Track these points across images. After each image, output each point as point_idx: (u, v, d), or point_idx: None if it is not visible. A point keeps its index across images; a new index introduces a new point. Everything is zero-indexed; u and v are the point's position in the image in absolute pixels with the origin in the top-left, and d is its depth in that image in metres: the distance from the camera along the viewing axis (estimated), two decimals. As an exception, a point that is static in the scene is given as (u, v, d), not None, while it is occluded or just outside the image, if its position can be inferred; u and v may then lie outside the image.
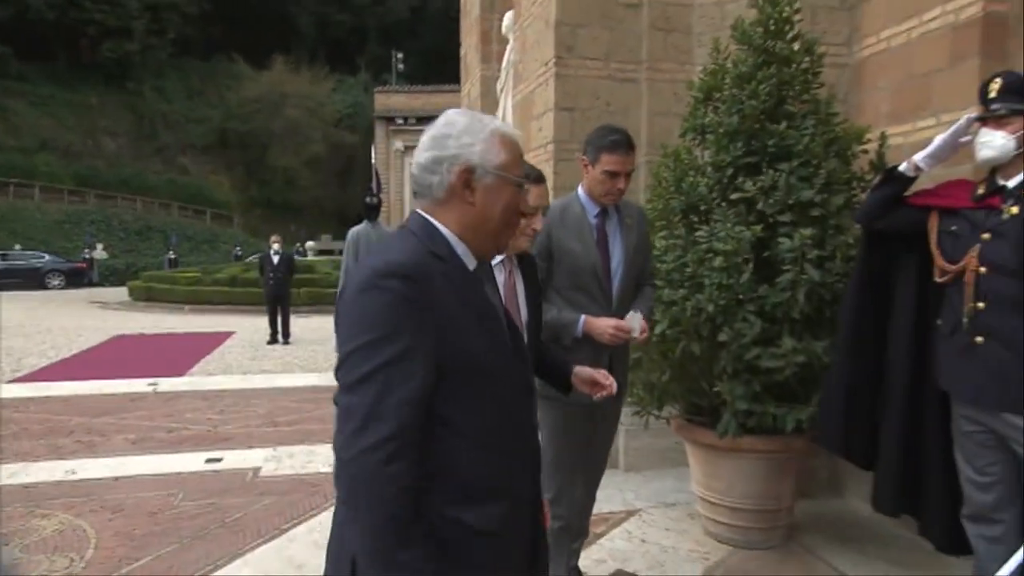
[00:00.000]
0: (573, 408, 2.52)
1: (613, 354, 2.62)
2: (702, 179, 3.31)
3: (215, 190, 42.19)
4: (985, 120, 2.34)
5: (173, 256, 28.73)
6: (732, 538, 3.45)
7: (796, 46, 3.33)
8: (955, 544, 2.63)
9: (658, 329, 3.23)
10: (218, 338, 12.03)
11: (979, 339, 2.33)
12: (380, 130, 31.37)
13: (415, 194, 1.38)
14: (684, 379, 3.38)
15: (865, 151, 3.31)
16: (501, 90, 6.42)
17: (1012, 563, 2.11)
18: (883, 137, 3.27)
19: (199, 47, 45.22)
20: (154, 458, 5.06)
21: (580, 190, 2.72)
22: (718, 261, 3.06)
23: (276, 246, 11.49)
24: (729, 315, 3.06)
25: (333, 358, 7.25)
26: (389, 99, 31.94)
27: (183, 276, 20.09)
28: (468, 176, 1.28)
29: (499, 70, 6.52)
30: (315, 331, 12.72)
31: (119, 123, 42.01)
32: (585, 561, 3.31)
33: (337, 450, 1.19)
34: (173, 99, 43.66)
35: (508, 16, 6.09)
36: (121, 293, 21.55)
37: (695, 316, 3.10)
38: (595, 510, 3.90)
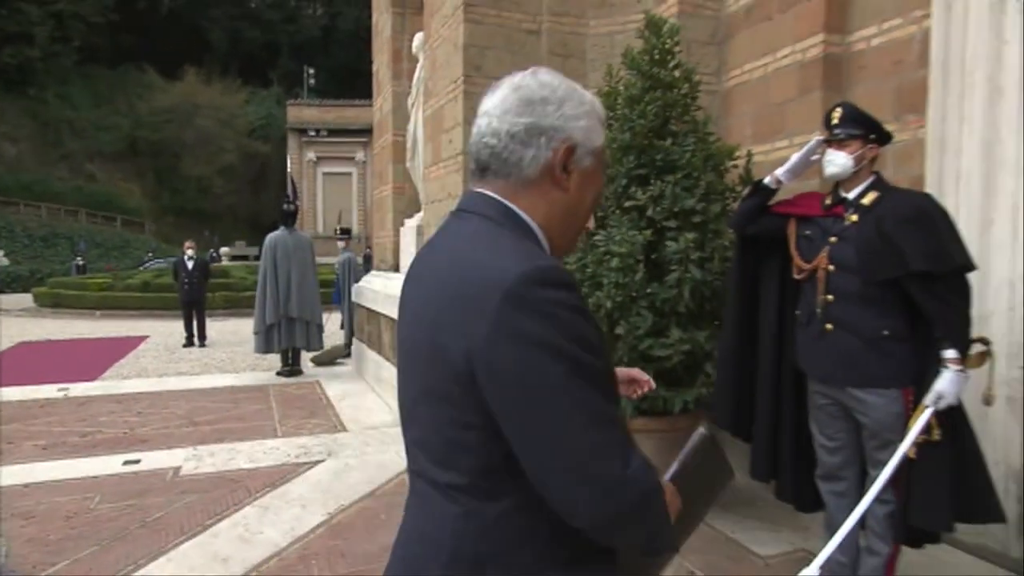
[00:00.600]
0: None
1: None
2: (599, 189, 3.40)
3: (126, 197, 39.33)
4: (830, 142, 2.49)
5: (82, 262, 26.63)
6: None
7: (677, 73, 3.45)
8: (808, 503, 2.82)
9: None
10: (132, 342, 11.20)
11: (829, 327, 2.49)
12: (293, 141, 30.39)
13: (483, 169, 1.00)
14: (586, 369, 3.45)
15: (735, 166, 3.45)
16: (412, 105, 6.36)
17: (857, 511, 2.30)
18: (749, 155, 3.44)
19: (107, 56, 42.04)
20: (67, 463, 4.61)
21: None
22: (615, 262, 3.13)
23: (190, 252, 10.90)
24: (625, 310, 3.14)
25: (252, 359, 6.99)
26: (301, 112, 30.98)
27: (94, 282, 18.47)
28: (569, 155, 0.96)
29: (410, 86, 6.45)
30: (232, 333, 12.14)
31: (19, 129, 38.36)
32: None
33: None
34: (80, 106, 40.29)
35: (418, 37, 6.05)
36: (25, 300, 19.40)
37: (595, 312, 3.14)
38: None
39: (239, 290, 16.55)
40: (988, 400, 2.37)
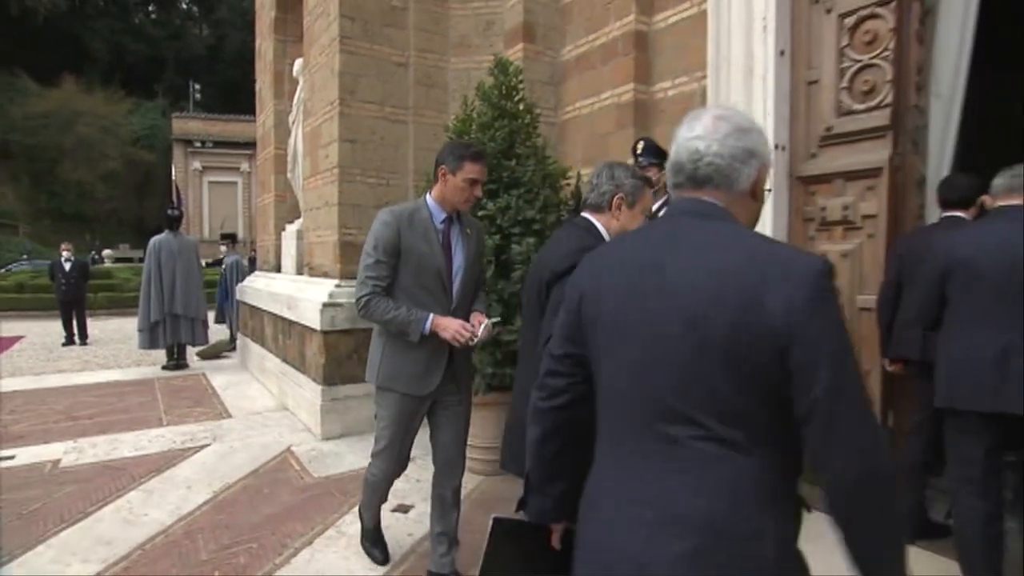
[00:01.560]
0: (411, 397, 2.31)
1: (454, 352, 2.31)
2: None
3: (-3, 200, 34.23)
4: (636, 167, 2.77)
5: (-51, 265, 22.80)
6: (485, 469, 3.61)
7: (521, 106, 3.61)
8: None
9: (424, 314, 3.34)
10: (5, 343, 9.75)
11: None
12: (178, 151, 27.85)
13: (702, 182, 1.03)
14: (444, 352, 3.51)
15: (568, 184, 3.66)
16: (293, 122, 6.11)
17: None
18: (578, 175, 3.68)
19: (-22, 60, 36.36)
20: (-68, 463, 3.94)
21: (429, 198, 2.31)
22: (468, 262, 3.25)
23: (67, 253, 9.72)
24: (477, 302, 3.26)
25: (136, 355, 6.34)
26: (187, 124, 28.43)
27: (-38, 284, 16.02)
28: (764, 173, 1.04)
29: (291, 105, 6.20)
30: (116, 331, 10.97)
31: None
32: (370, 500, 3.33)
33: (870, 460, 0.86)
34: (-53, 110, 34.58)
35: (298, 62, 5.83)
36: None
37: (451, 303, 3.26)
38: (378, 461, 3.95)
39: (123, 291, 14.94)
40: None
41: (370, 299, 2.21)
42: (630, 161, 2.81)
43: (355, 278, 4.50)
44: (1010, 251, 2.08)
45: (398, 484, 3.50)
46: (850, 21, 3.24)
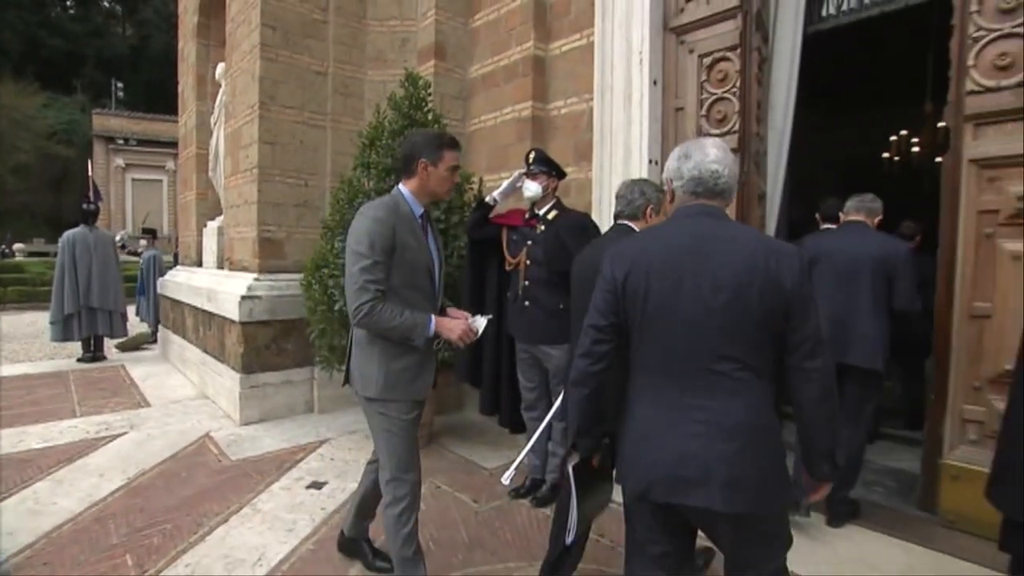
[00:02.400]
0: (415, 402, 1.96)
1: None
2: (367, 200, 3.35)
3: None
4: (528, 174, 2.78)
5: None
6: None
7: (430, 116, 3.57)
8: (518, 427, 3.09)
9: (336, 306, 3.22)
10: (-101, 337, 8.49)
11: (527, 303, 2.76)
12: (99, 147, 25.11)
13: (718, 194, 1.35)
14: (358, 340, 3.40)
15: (471, 188, 3.65)
16: (215, 123, 5.69)
17: (542, 426, 2.59)
18: (481, 181, 3.67)
19: None
20: None
21: (405, 190, 1.96)
22: (380, 257, 3.16)
23: (-27, 246, 8.57)
24: (387, 294, 3.18)
25: (49, 348, 5.64)
26: (108, 121, 25.65)
27: None
28: None
29: (213, 107, 5.78)
30: (28, 325, 9.74)
31: None
32: (286, 480, 3.17)
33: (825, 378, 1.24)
34: None
35: (221, 66, 5.43)
36: None
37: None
38: (295, 442, 3.77)
39: (36, 284, 13.32)
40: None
41: (373, 305, 1.76)
42: (521, 170, 2.84)
43: (273, 272, 4.38)
44: (849, 249, 2.74)
45: (313, 463, 3.43)
46: (707, 61, 3.46)
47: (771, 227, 3.39)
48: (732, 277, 1.20)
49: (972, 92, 2.58)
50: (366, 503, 2.28)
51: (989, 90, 2.53)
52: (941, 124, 5.48)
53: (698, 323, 1.23)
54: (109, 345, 6.83)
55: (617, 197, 2.15)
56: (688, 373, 1.24)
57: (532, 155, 2.75)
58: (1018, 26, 2.45)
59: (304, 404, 4.39)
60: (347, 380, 2.01)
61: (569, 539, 1.58)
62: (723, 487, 1.19)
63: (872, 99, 7.32)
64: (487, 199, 2.89)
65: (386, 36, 4.75)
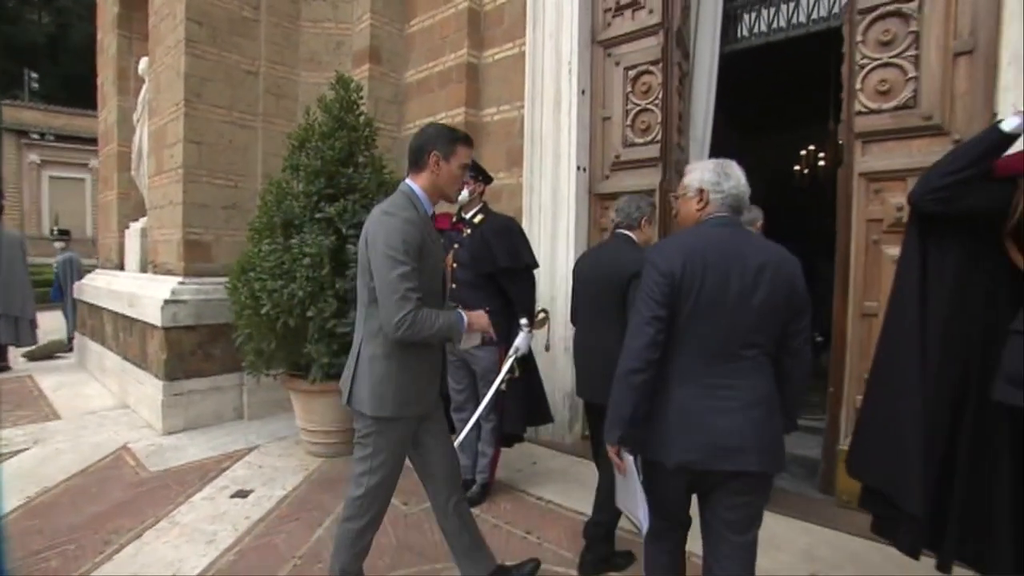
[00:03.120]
0: (416, 417, 1.84)
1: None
2: (296, 202, 3.30)
3: None
4: None
5: None
6: (325, 451, 3.50)
7: (361, 119, 3.54)
8: (450, 429, 3.11)
9: (263, 310, 3.15)
10: None
11: (454, 306, 2.82)
12: (10, 142, 23.06)
13: (739, 210, 1.57)
14: (285, 346, 3.33)
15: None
16: (138, 120, 5.41)
17: (469, 425, 2.60)
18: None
19: None
20: None
21: (416, 187, 1.79)
22: (307, 260, 3.09)
23: None
24: (315, 298, 3.10)
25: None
26: (21, 113, 23.53)
27: None
28: None
29: (136, 103, 5.50)
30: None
31: None
32: (209, 490, 3.06)
33: None
34: None
35: (144, 61, 5.17)
36: None
37: (290, 299, 3.09)
38: (222, 450, 3.64)
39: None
40: (547, 348, 2.91)
41: (416, 315, 1.61)
42: None
43: (200, 275, 4.21)
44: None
45: (240, 471, 3.32)
46: (632, 73, 3.62)
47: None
48: (767, 279, 1.43)
49: (860, 113, 2.83)
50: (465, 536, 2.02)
51: (873, 111, 2.79)
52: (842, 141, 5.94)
53: (739, 315, 1.43)
54: (16, 354, 6.34)
55: (616, 210, 2.38)
56: (722, 357, 1.45)
57: (464, 161, 2.78)
58: (895, 56, 2.71)
59: (233, 411, 4.25)
60: (349, 400, 1.81)
61: (646, 525, 1.58)
62: (756, 452, 1.41)
63: (790, 117, 7.84)
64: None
65: (321, 38, 4.68)
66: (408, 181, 1.81)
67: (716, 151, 3.80)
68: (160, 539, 2.55)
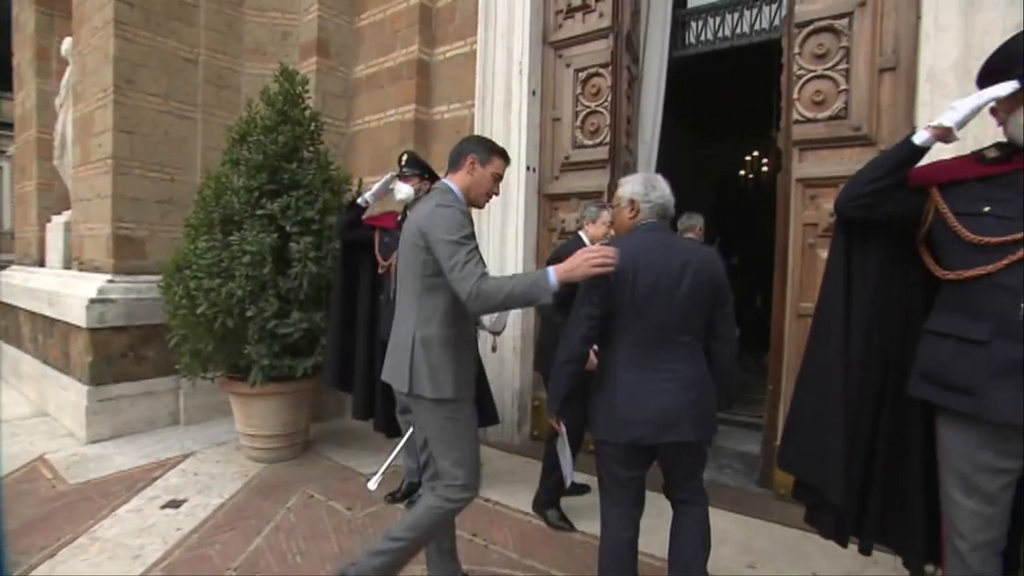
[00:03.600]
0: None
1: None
2: (236, 198, 3.17)
3: None
4: (400, 177, 2.74)
5: None
6: (266, 457, 3.38)
7: (307, 113, 3.44)
8: (395, 431, 2.99)
9: (199, 310, 3.01)
10: None
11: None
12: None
13: (667, 217, 1.82)
14: (224, 347, 3.19)
15: (350, 189, 3.54)
16: (61, 105, 5.05)
17: (411, 430, 2.57)
18: (360, 182, 3.57)
19: None
20: None
21: (453, 185, 1.86)
22: (247, 258, 2.98)
23: None
24: (255, 297, 3.00)
25: None
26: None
27: None
28: None
29: (59, 87, 5.14)
30: None
31: None
32: (137, 501, 2.89)
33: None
34: None
35: (67, 41, 4.83)
36: None
37: (229, 299, 2.96)
38: (154, 458, 3.45)
39: None
40: (494, 349, 2.89)
41: (483, 280, 1.64)
42: (392, 172, 2.81)
43: (132, 273, 3.98)
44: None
45: (173, 480, 3.16)
46: (582, 75, 3.66)
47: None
48: (690, 274, 1.67)
49: (797, 121, 2.96)
50: (447, 539, 2.09)
51: (809, 120, 2.92)
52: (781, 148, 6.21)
53: (670, 308, 1.67)
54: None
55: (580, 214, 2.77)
56: (661, 345, 1.68)
57: (404, 157, 2.75)
58: (828, 69, 2.85)
59: (168, 416, 4.03)
60: (410, 388, 1.82)
61: (569, 481, 2.04)
62: (692, 423, 1.66)
63: (737, 124, 8.14)
64: (359, 200, 2.84)
65: (266, 28, 4.51)
66: (446, 180, 1.92)
67: (669, 155, 3.91)
68: (77, 557, 2.38)
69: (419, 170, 2.73)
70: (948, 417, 1.46)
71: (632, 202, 1.79)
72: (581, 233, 2.71)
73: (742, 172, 8.06)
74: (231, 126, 3.49)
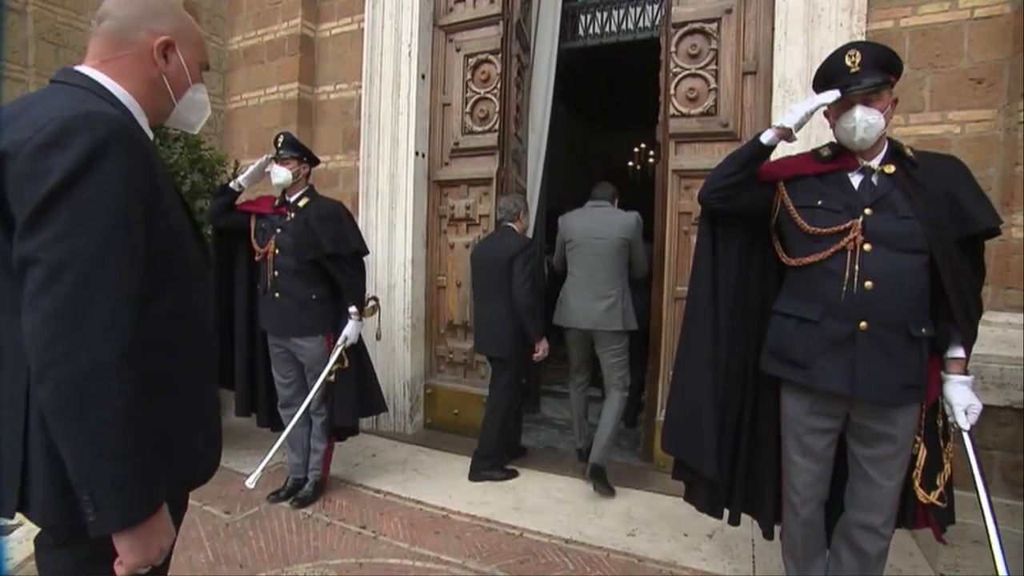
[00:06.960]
0: None
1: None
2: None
3: None
4: (276, 159, 2.54)
5: None
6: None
7: (169, 85, 3.10)
8: (280, 426, 2.74)
9: None
10: None
11: (277, 295, 2.55)
12: None
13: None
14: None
15: (225, 171, 3.29)
16: None
17: (293, 421, 2.43)
18: (236, 163, 3.32)
19: None
20: None
21: None
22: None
23: None
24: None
25: None
26: None
27: None
28: None
29: None
30: None
31: None
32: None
33: None
34: None
35: None
36: None
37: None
38: None
39: None
40: (379, 336, 2.80)
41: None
42: (269, 154, 2.60)
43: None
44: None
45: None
46: (472, 61, 3.61)
47: (532, 218, 3.68)
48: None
49: (673, 116, 3.13)
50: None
51: (683, 115, 3.09)
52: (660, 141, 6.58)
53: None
54: None
55: (499, 208, 3.14)
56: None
57: (281, 139, 2.56)
58: (700, 69, 3.04)
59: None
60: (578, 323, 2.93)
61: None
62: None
63: (628, 116, 8.51)
64: (231, 184, 2.60)
65: (120, -16, 3.97)
66: None
67: (565, 144, 3.96)
68: None
69: (297, 152, 2.56)
70: (789, 388, 1.62)
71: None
72: (512, 225, 3.05)
73: (630, 163, 8.44)
74: (76, 95, 3.03)
